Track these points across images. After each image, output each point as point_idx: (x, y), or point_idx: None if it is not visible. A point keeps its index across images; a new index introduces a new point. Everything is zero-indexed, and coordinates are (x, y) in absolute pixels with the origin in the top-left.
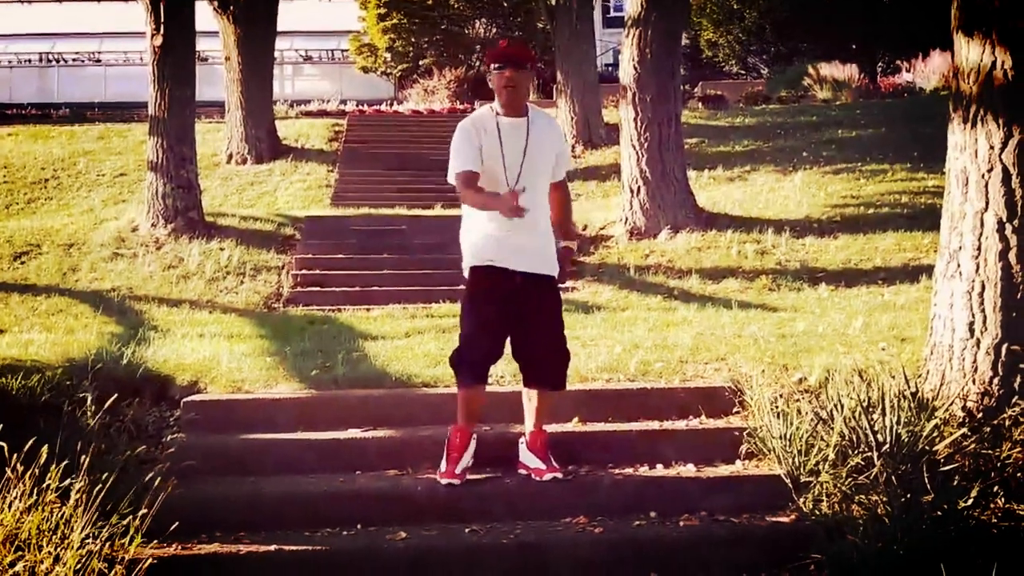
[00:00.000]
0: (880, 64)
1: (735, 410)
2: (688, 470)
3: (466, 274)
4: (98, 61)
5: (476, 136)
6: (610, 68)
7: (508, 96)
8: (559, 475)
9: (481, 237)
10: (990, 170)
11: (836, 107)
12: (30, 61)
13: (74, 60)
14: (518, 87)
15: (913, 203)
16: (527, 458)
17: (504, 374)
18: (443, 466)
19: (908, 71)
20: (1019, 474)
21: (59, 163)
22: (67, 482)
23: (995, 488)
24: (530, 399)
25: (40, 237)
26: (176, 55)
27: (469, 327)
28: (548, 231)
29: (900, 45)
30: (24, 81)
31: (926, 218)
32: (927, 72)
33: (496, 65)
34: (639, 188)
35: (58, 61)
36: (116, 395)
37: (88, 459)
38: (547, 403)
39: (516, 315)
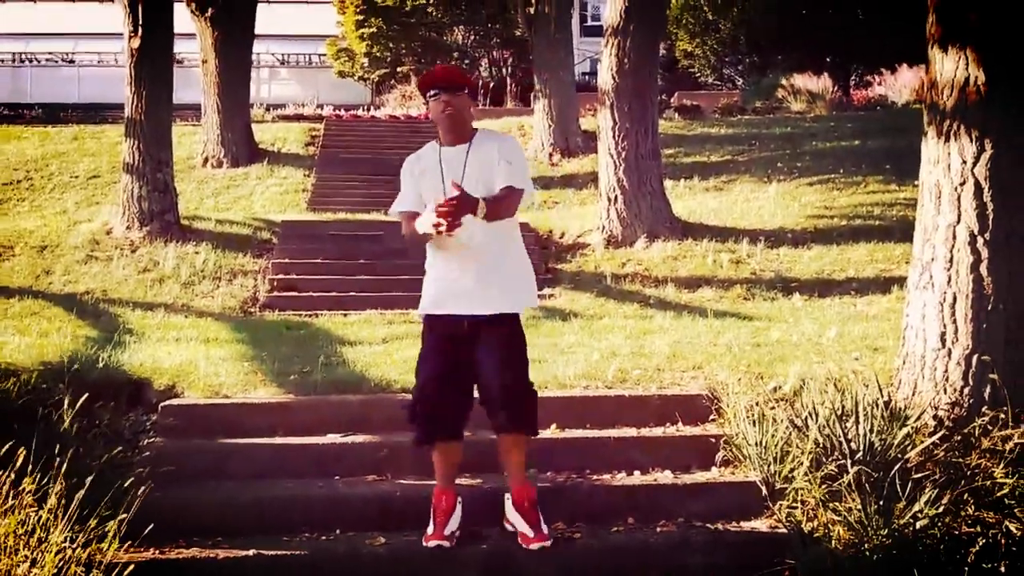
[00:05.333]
0: (853, 77)
1: (711, 417)
2: (665, 477)
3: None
4: (72, 62)
5: (414, 172)
6: (587, 76)
7: (448, 122)
8: (546, 544)
9: (431, 283)
10: (962, 183)
11: (810, 119)
12: (3, 61)
13: (47, 60)
14: (457, 112)
15: (885, 215)
16: (513, 517)
17: None
18: (429, 528)
19: (880, 84)
20: (988, 482)
21: (32, 164)
22: (45, 483)
23: (965, 496)
24: (504, 450)
25: (12, 239)
26: (154, 57)
27: (419, 380)
28: (507, 262)
29: (872, 59)
30: None
31: (898, 230)
32: (898, 86)
33: (431, 93)
34: (616, 197)
35: (31, 61)
36: (92, 399)
37: (65, 463)
38: (517, 451)
39: (473, 361)
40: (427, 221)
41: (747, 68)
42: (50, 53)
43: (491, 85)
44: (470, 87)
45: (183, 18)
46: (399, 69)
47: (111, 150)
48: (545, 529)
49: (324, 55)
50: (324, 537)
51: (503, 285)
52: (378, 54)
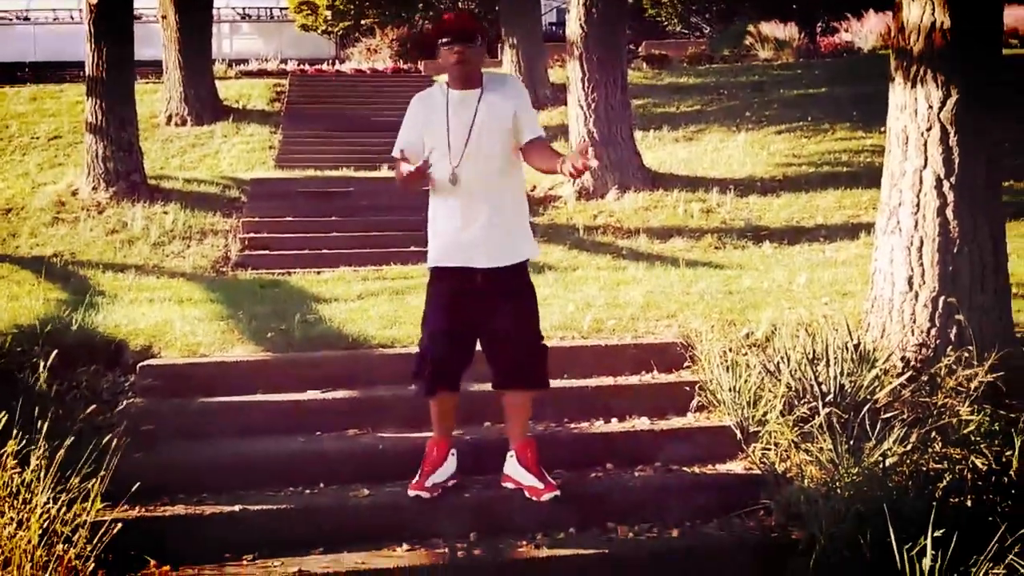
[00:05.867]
0: (820, 24)
1: (686, 364)
2: (642, 423)
3: None
4: (27, 19)
5: (421, 113)
6: (554, 27)
7: (459, 71)
8: (558, 494)
9: (437, 235)
10: (929, 129)
11: (778, 67)
12: None
13: (1, 19)
14: (470, 62)
15: (853, 161)
16: (518, 473)
17: None
18: (414, 478)
19: (846, 31)
20: (954, 420)
21: None
22: (26, 446)
23: (932, 433)
24: (508, 404)
25: None
26: (113, 13)
27: (426, 335)
28: (513, 210)
29: (837, 4)
30: None
31: (865, 176)
32: (864, 32)
33: (444, 41)
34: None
35: None
36: (69, 361)
37: (46, 425)
38: (526, 408)
39: (481, 314)
40: (404, 173)
41: (714, 16)
42: (4, 11)
43: None
44: (483, 37)
45: None
46: (363, 22)
47: (71, 110)
48: (552, 481)
49: (286, 8)
50: (308, 491)
51: (509, 235)
52: (341, 7)
